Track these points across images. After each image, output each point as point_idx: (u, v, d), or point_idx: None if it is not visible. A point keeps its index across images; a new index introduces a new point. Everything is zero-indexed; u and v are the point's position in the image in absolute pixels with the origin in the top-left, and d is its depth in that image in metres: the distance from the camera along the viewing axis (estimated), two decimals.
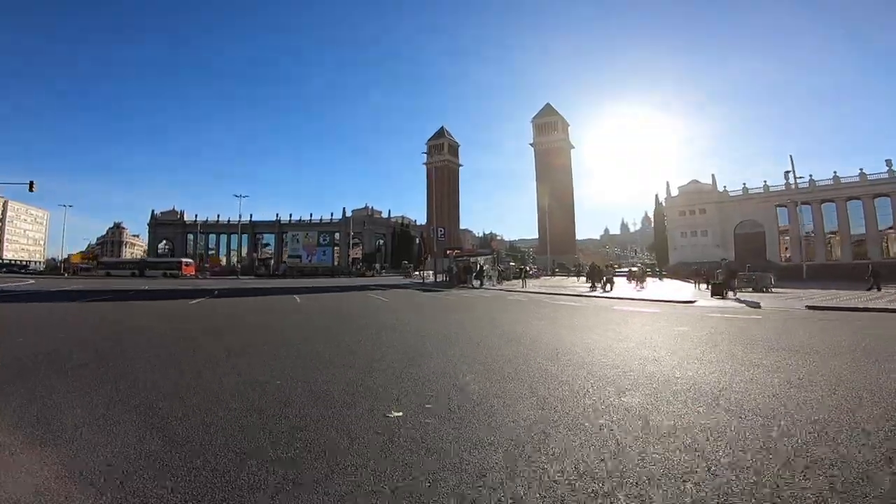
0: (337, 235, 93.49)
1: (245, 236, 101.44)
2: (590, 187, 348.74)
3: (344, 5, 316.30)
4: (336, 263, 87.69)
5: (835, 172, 65.14)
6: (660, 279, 40.89)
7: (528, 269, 30.53)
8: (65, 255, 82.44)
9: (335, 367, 5.50)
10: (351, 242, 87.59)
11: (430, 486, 2.34)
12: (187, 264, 61.09)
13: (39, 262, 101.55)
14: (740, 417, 3.42)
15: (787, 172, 72.72)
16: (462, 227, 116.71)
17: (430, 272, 49.19)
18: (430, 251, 57.82)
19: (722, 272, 18.78)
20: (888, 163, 60.78)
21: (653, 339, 7.56)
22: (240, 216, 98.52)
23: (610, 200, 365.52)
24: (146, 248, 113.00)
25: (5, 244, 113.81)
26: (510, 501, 2.18)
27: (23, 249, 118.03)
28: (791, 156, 38.65)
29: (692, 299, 16.02)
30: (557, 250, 73.38)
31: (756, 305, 13.96)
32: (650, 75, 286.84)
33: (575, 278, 45.06)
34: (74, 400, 4.06)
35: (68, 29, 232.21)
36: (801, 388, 4.27)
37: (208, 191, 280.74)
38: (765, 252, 72.15)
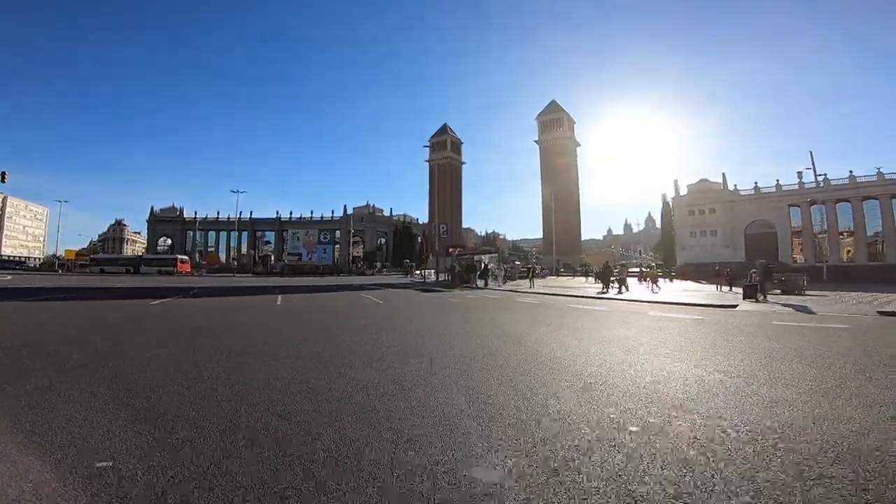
0: (338, 233, 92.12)
1: (245, 234, 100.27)
2: (592, 187, 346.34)
3: (345, 5, 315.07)
4: (337, 261, 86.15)
5: (850, 172, 63.19)
6: (669, 280, 39.14)
7: (536, 268, 28.60)
8: (63, 252, 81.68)
9: (292, 395, 3.88)
10: (351, 240, 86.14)
11: None
12: (182, 261, 59.98)
13: (38, 259, 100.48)
14: None
15: (801, 172, 71.04)
16: (464, 225, 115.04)
17: (432, 271, 47.62)
18: (431, 249, 56.17)
19: (757, 272, 17.01)
20: None
21: (754, 367, 5.17)
22: (240, 213, 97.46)
23: (612, 200, 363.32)
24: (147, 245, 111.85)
25: (4, 240, 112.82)
26: None
27: (22, 245, 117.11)
28: (811, 152, 36.69)
29: (733, 303, 14.26)
30: (562, 250, 71.57)
31: (808, 310, 12.24)
32: (651, 75, 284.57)
33: (583, 278, 43.34)
34: None
35: (68, 29, 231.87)
36: None
37: (209, 190, 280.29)
38: (776, 253, 70.26)
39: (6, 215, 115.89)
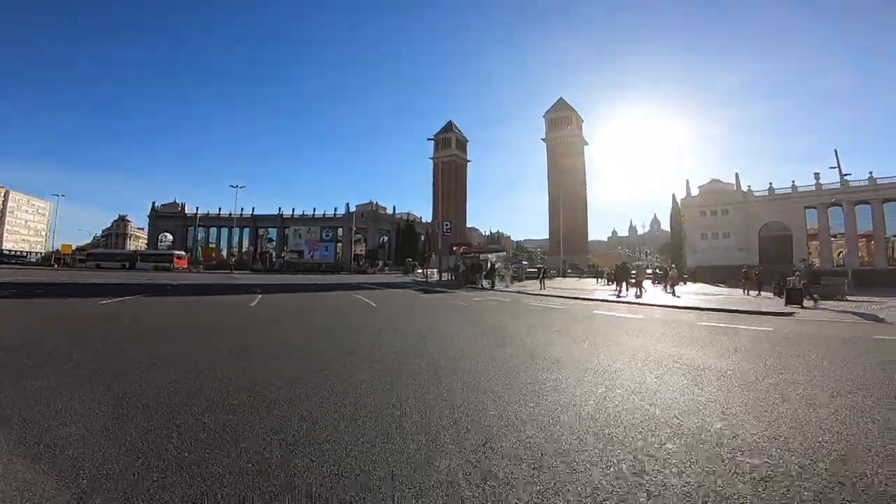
0: (340, 231, 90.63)
1: (247, 230, 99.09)
2: (597, 187, 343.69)
3: (346, 5, 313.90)
4: (339, 259, 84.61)
5: (870, 173, 60.93)
6: (683, 283, 37.12)
7: (546, 269, 26.51)
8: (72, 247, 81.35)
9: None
10: (353, 238, 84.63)
11: None
12: (179, 257, 58.66)
13: (39, 253, 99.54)
14: None
15: (818, 173, 68.76)
16: (468, 225, 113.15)
17: (435, 270, 45.91)
18: (434, 248, 54.39)
19: (802, 274, 15.10)
20: None
21: None
22: (241, 210, 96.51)
23: (617, 201, 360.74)
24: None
25: (6, 235, 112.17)
26: None
27: (23, 240, 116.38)
28: (836, 151, 34.53)
29: (787, 310, 12.34)
30: (568, 250, 69.54)
31: (878, 319, 10.41)
32: (659, 75, 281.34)
33: (593, 280, 41.47)
34: None
35: (69, 29, 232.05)
36: None
37: (214, 187, 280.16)
38: (791, 256, 68.06)
39: (8, 210, 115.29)
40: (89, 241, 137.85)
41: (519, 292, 21.35)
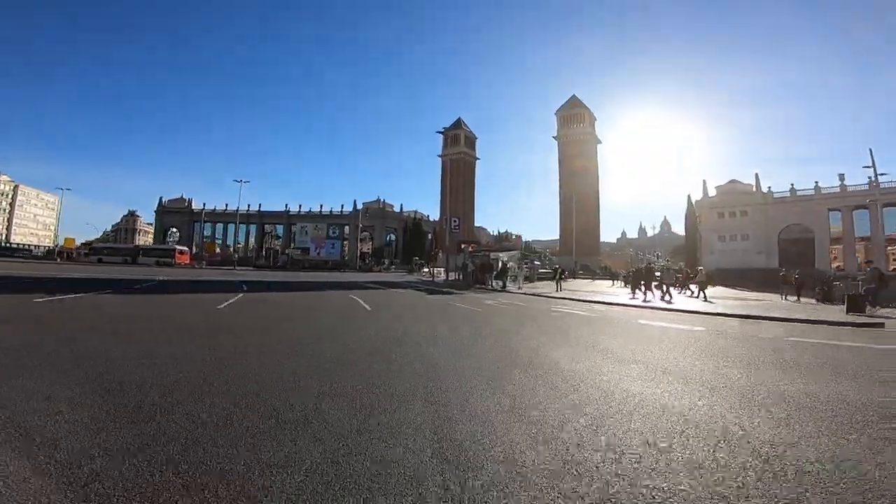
0: (347, 229, 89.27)
1: (253, 227, 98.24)
2: (606, 188, 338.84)
3: (355, 4, 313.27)
4: (345, 257, 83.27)
5: None
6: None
7: (563, 269, 24.42)
8: (80, 241, 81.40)
9: None
10: (359, 236, 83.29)
11: None
12: (181, 252, 57.69)
13: (44, 247, 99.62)
14: None
15: (843, 174, 65.95)
16: (476, 224, 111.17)
17: (441, 269, 44.22)
18: (441, 246, 52.66)
19: (868, 278, 13.14)
20: None
21: None
22: (248, 206, 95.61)
23: (626, 202, 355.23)
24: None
25: (14, 228, 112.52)
26: None
27: (32, 234, 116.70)
28: (871, 150, 32.27)
29: (874, 321, 10.37)
30: (579, 251, 67.43)
31: None
32: (672, 76, 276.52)
33: (607, 282, 39.49)
34: None
35: (75, 29, 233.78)
36: None
37: (222, 186, 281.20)
38: (813, 260, 65.45)
39: (17, 204, 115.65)
40: (99, 235, 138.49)
41: (534, 294, 19.55)
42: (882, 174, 42.18)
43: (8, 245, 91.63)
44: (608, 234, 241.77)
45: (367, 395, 3.69)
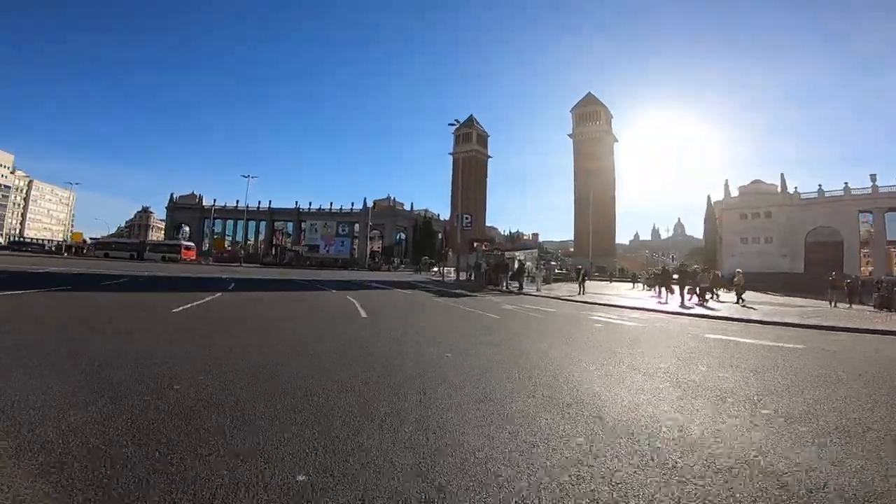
0: (357, 227, 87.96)
1: (263, 223, 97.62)
2: (619, 189, 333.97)
3: (374, 4, 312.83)
4: (354, 255, 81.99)
5: None
6: (727, 291, 32.69)
7: (586, 270, 22.16)
8: (89, 236, 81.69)
9: None
10: (369, 234, 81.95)
11: None
12: (187, 248, 56.83)
13: (56, 242, 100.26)
14: None
15: (874, 175, 62.78)
16: (487, 224, 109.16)
17: (452, 269, 42.48)
18: (452, 245, 50.93)
19: None
20: None
21: None
22: (258, 203, 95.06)
23: (639, 204, 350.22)
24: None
25: (28, 223, 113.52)
26: None
27: (45, 228, 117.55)
28: None
29: None
30: (594, 252, 65.12)
31: None
32: (686, 77, 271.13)
33: (630, 284, 37.39)
34: None
35: (93, 30, 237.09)
36: None
37: (235, 185, 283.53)
38: (841, 263, 62.44)
39: (31, 199, 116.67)
40: (114, 231, 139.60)
41: (557, 298, 17.68)
42: None
43: (21, 240, 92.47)
44: (621, 235, 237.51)
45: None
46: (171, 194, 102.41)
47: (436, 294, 17.92)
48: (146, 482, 2.03)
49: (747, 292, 20.93)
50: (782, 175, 67.51)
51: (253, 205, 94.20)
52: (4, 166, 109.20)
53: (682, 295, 17.01)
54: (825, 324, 10.93)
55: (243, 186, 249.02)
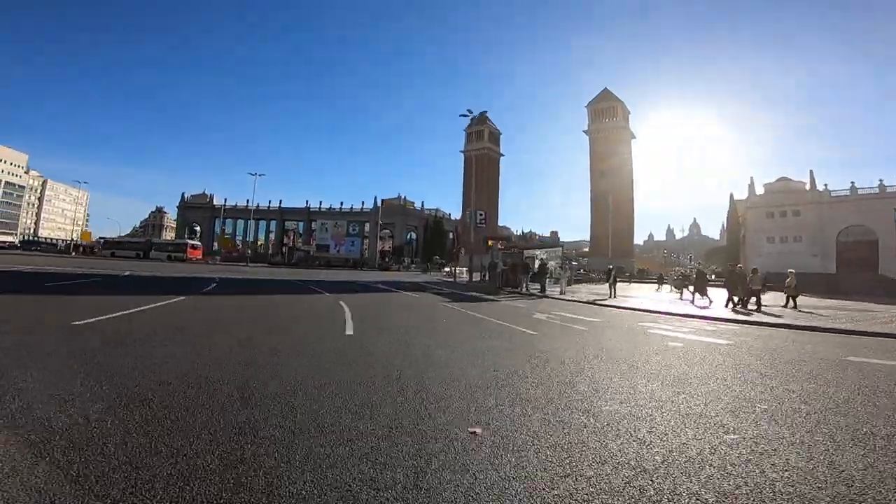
0: (367, 226, 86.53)
1: (274, 223, 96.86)
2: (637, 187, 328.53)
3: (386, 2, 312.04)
4: (364, 255, 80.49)
5: None
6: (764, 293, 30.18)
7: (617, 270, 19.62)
8: (99, 236, 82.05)
9: None
10: (379, 234, 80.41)
11: None
12: (193, 247, 56.00)
13: (67, 241, 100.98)
14: None
15: None
16: (499, 223, 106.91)
17: (464, 269, 40.54)
18: (465, 243, 49.00)
19: None
20: None
21: None
22: (269, 202, 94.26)
23: (653, 204, 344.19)
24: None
25: (42, 223, 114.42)
26: None
27: (59, 228, 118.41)
28: None
29: None
30: (613, 252, 62.51)
31: None
32: (702, 78, 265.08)
33: (654, 286, 35.10)
34: None
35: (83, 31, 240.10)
36: None
37: (246, 185, 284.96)
38: (877, 264, 59.30)
39: (45, 199, 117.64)
40: (128, 231, 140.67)
41: (587, 302, 15.65)
42: None
43: (35, 239, 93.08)
44: (636, 235, 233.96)
45: None
46: (183, 193, 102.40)
47: (448, 298, 15.87)
48: None
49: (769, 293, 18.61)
50: (811, 172, 64.27)
51: (263, 204, 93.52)
52: (19, 166, 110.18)
53: (731, 299, 14.86)
54: None
55: (256, 186, 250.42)
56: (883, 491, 2.33)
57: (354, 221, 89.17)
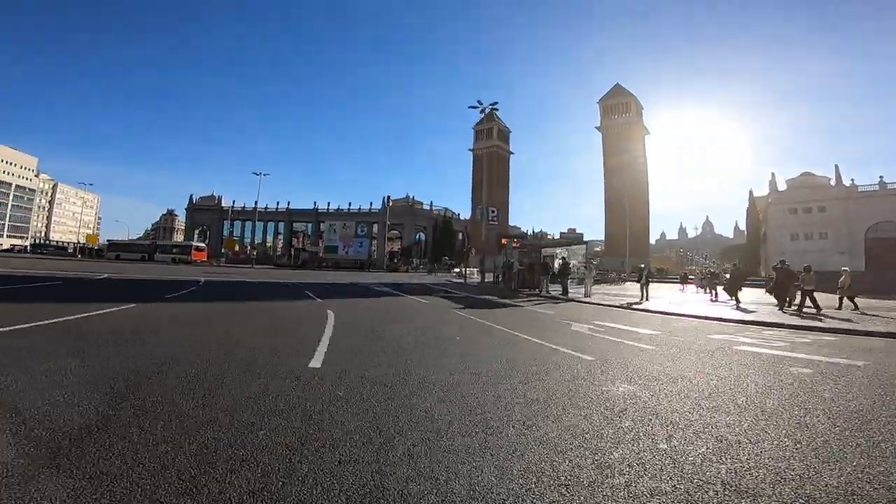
0: (375, 227, 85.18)
1: (282, 224, 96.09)
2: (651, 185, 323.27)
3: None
4: (373, 256, 79.15)
5: None
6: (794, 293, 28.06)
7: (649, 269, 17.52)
8: (108, 238, 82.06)
9: None
10: (388, 234, 79.06)
11: None
12: (198, 249, 55.26)
13: (76, 244, 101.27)
14: None
15: None
16: (510, 223, 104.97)
17: (475, 270, 38.90)
18: (475, 243, 47.37)
19: None
20: None
21: None
22: (277, 203, 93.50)
23: (665, 203, 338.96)
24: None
25: (53, 226, 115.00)
26: None
27: (70, 231, 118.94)
28: None
29: None
30: (630, 252, 60.40)
31: None
32: (715, 74, 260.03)
33: (676, 286, 33.11)
34: None
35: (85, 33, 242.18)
36: None
37: (255, 187, 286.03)
38: None
39: (56, 202, 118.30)
40: (140, 234, 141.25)
41: (620, 307, 13.92)
42: None
43: (45, 242, 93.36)
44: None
45: None
46: (191, 195, 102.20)
47: (460, 304, 13.82)
48: None
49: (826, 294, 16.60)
50: (836, 167, 61.57)
51: (272, 206, 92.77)
52: (29, 169, 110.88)
53: (785, 301, 13.07)
54: None
55: (266, 189, 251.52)
56: None
57: (363, 222, 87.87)
